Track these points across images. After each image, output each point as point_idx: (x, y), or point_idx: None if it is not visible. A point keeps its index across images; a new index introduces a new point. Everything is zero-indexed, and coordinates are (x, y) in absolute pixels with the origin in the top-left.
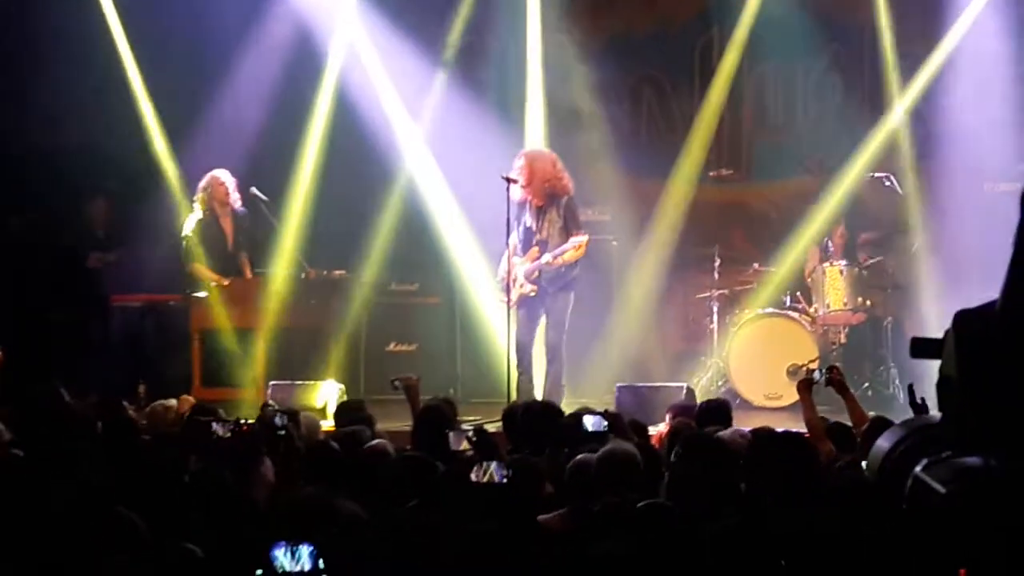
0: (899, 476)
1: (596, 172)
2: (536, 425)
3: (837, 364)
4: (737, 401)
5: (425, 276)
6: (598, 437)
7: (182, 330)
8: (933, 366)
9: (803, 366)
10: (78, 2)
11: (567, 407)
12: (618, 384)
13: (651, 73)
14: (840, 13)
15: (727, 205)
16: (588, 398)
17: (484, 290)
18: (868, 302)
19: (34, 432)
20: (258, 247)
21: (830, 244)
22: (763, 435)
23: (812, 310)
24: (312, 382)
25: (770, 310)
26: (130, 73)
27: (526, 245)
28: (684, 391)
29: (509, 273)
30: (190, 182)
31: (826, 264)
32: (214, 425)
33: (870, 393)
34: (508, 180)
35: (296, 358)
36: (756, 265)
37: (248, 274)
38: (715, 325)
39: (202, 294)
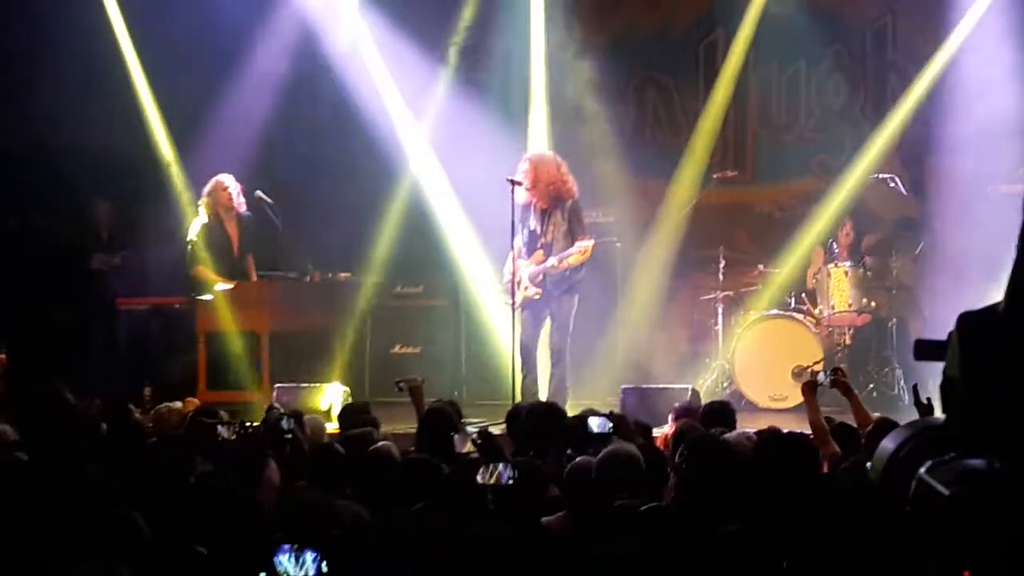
0: (903, 478)
1: (600, 173)
2: (540, 427)
3: (842, 366)
4: (742, 402)
5: (430, 279)
6: (602, 438)
7: (187, 333)
8: (937, 368)
9: (808, 367)
10: (82, 3)
11: (572, 409)
12: (623, 386)
13: (655, 73)
14: (844, 13)
15: (731, 206)
16: (593, 400)
17: (489, 292)
18: (873, 303)
19: (37, 432)
20: (262, 249)
21: (835, 245)
22: (768, 436)
23: (817, 311)
24: (317, 384)
25: (775, 311)
26: (134, 73)
27: (531, 248)
28: (689, 393)
29: (514, 276)
30: (195, 184)
31: (831, 265)
32: (219, 427)
33: (875, 394)
34: (513, 183)
35: (301, 361)
36: (761, 266)
37: (253, 277)
38: (720, 326)
39: (208, 297)
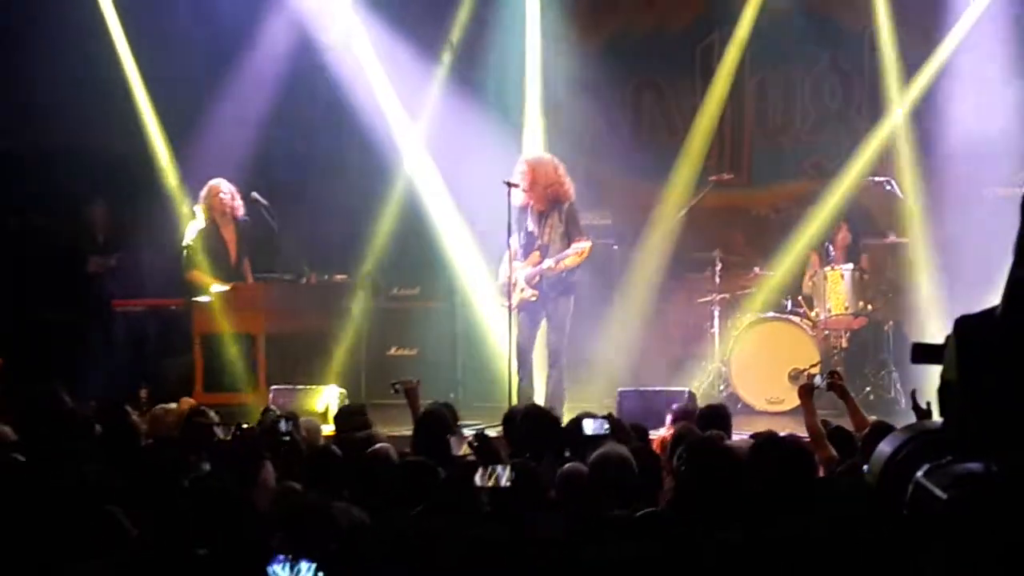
0: (900, 481)
1: (596, 176)
2: (536, 429)
3: (838, 369)
4: (739, 405)
5: (426, 280)
6: (598, 441)
7: (184, 335)
8: (934, 371)
9: (804, 370)
10: (78, 3)
11: (568, 411)
12: (619, 388)
13: (651, 76)
14: (840, 16)
15: (727, 209)
16: (589, 402)
17: (485, 294)
18: (869, 306)
19: (34, 433)
20: (259, 251)
21: (831, 248)
22: (763, 440)
23: (813, 314)
24: (313, 387)
25: (771, 314)
26: (130, 75)
27: (527, 250)
28: (686, 395)
29: (510, 278)
30: (190, 185)
31: (827, 268)
32: (215, 428)
33: (871, 397)
34: (509, 185)
35: (297, 363)
36: (757, 269)
37: (250, 279)
38: (716, 329)
39: (205, 299)
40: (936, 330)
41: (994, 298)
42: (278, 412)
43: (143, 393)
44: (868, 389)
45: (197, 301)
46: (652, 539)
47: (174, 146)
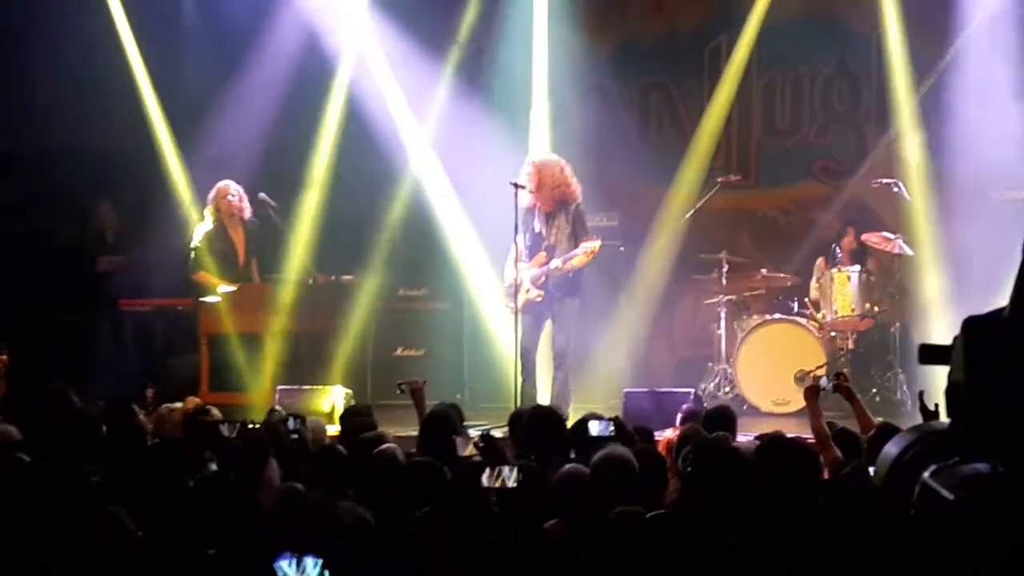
0: (907, 482)
1: (604, 178)
2: (542, 431)
3: (845, 370)
4: (745, 407)
5: (433, 281)
6: (603, 442)
7: (191, 335)
8: (941, 372)
9: (811, 372)
10: (81, 3)
11: (574, 412)
12: (626, 389)
13: (659, 79)
14: (848, 18)
15: (734, 211)
16: (595, 403)
17: (491, 295)
18: (876, 308)
19: (40, 433)
20: (266, 252)
21: (838, 250)
22: (768, 441)
23: (820, 316)
24: (319, 387)
25: (778, 316)
26: (138, 75)
27: (533, 251)
28: (692, 397)
29: (516, 279)
30: (199, 186)
31: (834, 270)
32: (221, 426)
33: (878, 399)
34: (516, 186)
35: (304, 363)
36: (764, 271)
37: (256, 280)
38: (723, 331)
39: (214, 299)
40: (943, 332)
41: (1001, 299)
42: (283, 412)
43: (149, 393)
44: (874, 391)
45: (204, 301)
46: (658, 540)
47: (180, 146)
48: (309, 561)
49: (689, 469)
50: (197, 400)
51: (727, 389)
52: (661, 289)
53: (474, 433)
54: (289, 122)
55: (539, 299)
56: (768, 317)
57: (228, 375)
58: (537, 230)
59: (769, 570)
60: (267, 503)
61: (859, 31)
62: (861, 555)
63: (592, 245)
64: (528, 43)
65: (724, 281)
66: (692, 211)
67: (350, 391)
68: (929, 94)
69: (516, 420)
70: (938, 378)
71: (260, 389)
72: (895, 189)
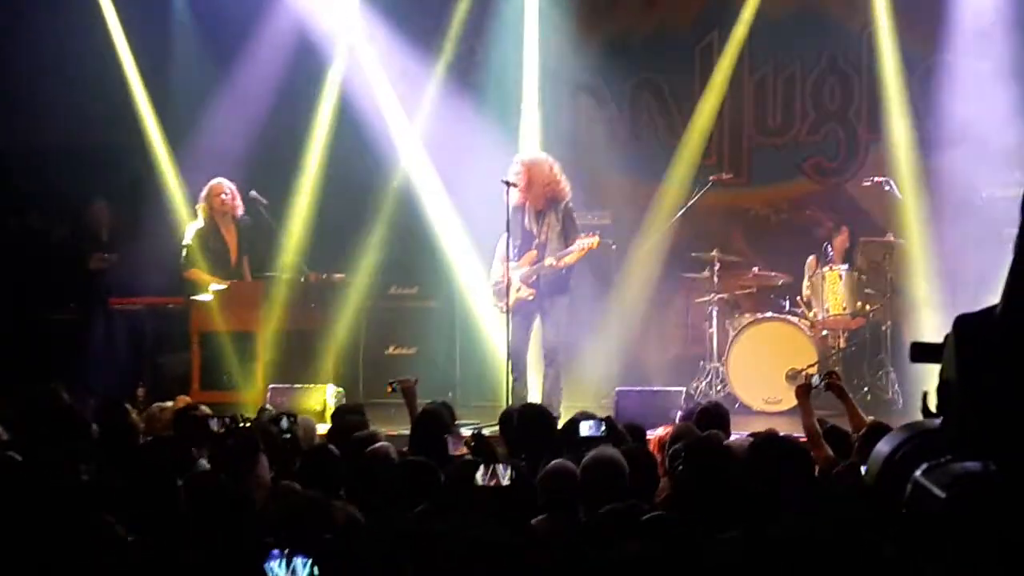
0: (899, 480)
1: (595, 175)
2: (532, 430)
3: (836, 369)
4: (736, 405)
5: (424, 280)
6: (593, 442)
7: (182, 333)
8: (933, 371)
9: (802, 370)
10: (80, 7)
11: (565, 411)
12: (617, 388)
13: (651, 76)
14: (839, 16)
15: (726, 209)
16: (586, 402)
17: (483, 293)
18: (867, 307)
19: (34, 432)
20: (258, 250)
21: (830, 248)
22: (760, 440)
23: (811, 314)
24: (311, 385)
25: (769, 314)
26: (129, 73)
27: (523, 249)
28: (683, 395)
29: (508, 279)
30: (190, 184)
31: (826, 268)
32: (210, 421)
33: (869, 398)
34: (508, 184)
35: (295, 361)
36: (755, 269)
37: (248, 278)
38: (714, 329)
39: (206, 297)
40: (934, 330)
41: (993, 297)
42: (273, 410)
43: (140, 391)
44: (866, 389)
45: (196, 300)
46: (652, 539)
47: (172, 144)
48: (299, 561)
49: (679, 468)
50: (188, 399)
51: (719, 387)
52: (653, 287)
53: (466, 432)
54: (280, 120)
55: (530, 298)
56: (760, 315)
57: (219, 374)
58: (527, 228)
59: (761, 569)
60: (258, 499)
61: (851, 29)
62: (853, 553)
63: (590, 242)
64: (519, 41)
65: (716, 279)
66: (684, 209)
67: (341, 389)
68: (920, 91)
69: (507, 419)
70: (930, 376)
71: (252, 388)
72: (886, 188)
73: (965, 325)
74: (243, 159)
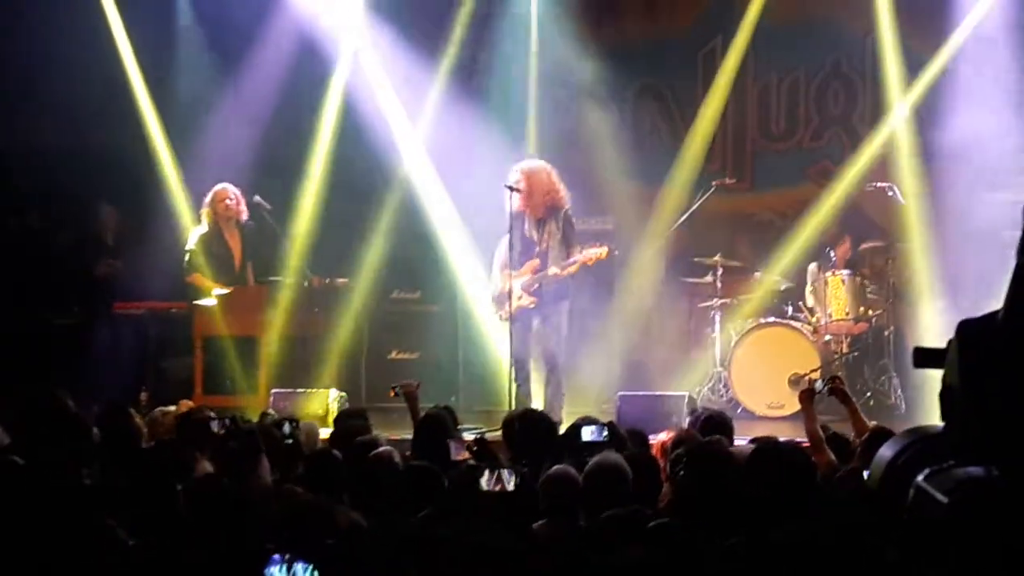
0: (901, 485)
1: (598, 181)
2: (535, 435)
3: (839, 374)
4: (739, 410)
5: (427, 284)
6: (596, 447)
7: (185, 337)
8: (935, 375)
9: (805, 375)
10: (82, 8)
11: (567, 416)
12: (619, 393)
13: (654, 82)
14: (843, 21)
15: (729, 214)
16: (588, 407)
17: (485, 298)
18: (870, 311)
19: (36, 436)
20: (262, 255)
21: (832, 254)
22: (761, 445)
23: (814, 319)
24: (314, 390)
25: (772, 319)
26: (132, 75)
27: (524, 258)
28: (686, 400)
29: (510, 287)
30: (194, 188)
31: (828, 274)
32: (211, 423)
33: (872, 403)
34: (512, 189)
35: (298, 366)
36: (758, 274)
37: (251, 282)
38: (717, 334)
39: (209, 302)
40: (937, 335)
41: (995, 302)
42: (276, 415)
43: (143, 396)
44: (868, 394)
45: (199, 304)
46: (654, 544)
47: (176, 147)
48: (300, 567)
49: (681, 473)
50: (190, 403)
51: (721, 393)
52: (655, 292)
53: (468, 436)
54: (284, 125)
55: (531, 305)
56: (762, 320)
57: (222, 378)
58: (527, 236)
59: (764, 574)
60: (259, 499)
61: (854, 34)
62: (855, 559)
63: (598, 252)
64: (522, 46)
65: (719, 284)
66: (687, 214)
67: (344, 394)
68: (923, 96)
69: (509, 424)
70: (933, 382)
71: (254, 392)
72: (890, 193)
73: (968, 330)
74: (246, 164)
